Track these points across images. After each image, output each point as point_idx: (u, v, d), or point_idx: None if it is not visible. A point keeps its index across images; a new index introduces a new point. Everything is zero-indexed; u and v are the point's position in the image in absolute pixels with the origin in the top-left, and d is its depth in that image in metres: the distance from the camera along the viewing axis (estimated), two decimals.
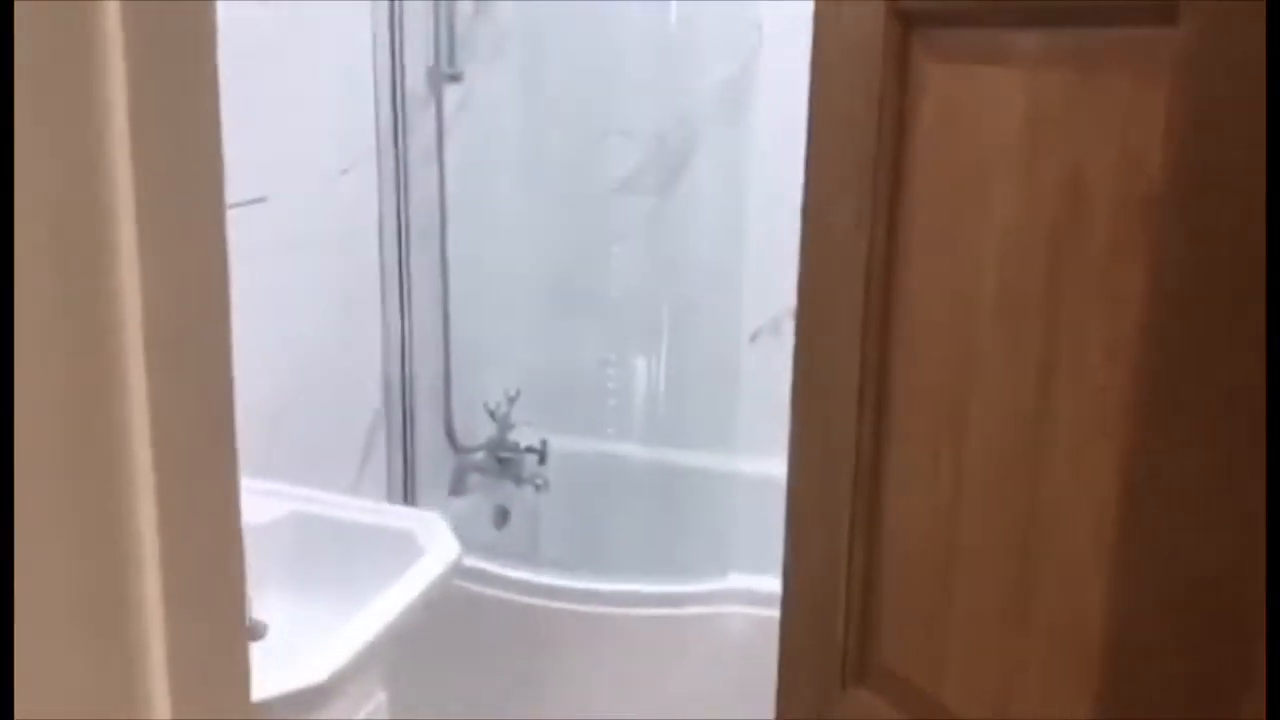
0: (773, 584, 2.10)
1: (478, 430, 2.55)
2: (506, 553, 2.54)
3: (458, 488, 2.52)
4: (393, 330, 2.30)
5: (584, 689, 2.17)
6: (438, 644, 1.92)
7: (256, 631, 1.66)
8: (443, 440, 2.50)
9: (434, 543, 1.64)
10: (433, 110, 2.32)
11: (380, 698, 1.51)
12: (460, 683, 2.23)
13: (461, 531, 2.46)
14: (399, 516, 1.73)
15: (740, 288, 2.47)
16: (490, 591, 2.20)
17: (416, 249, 2.29)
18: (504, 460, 2.55)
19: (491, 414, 2.53)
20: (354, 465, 2.22)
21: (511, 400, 2.55)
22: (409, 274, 2.29)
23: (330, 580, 1.68)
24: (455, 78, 2.35)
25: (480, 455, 2.56)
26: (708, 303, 2.55)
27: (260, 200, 1.64)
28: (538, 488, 2.53)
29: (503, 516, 2.58)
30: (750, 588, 2.10)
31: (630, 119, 2.54)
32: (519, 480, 2.54)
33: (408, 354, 2.34)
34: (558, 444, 2.63)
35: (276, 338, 1.93)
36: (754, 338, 2.62)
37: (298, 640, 1.63)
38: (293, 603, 1.69)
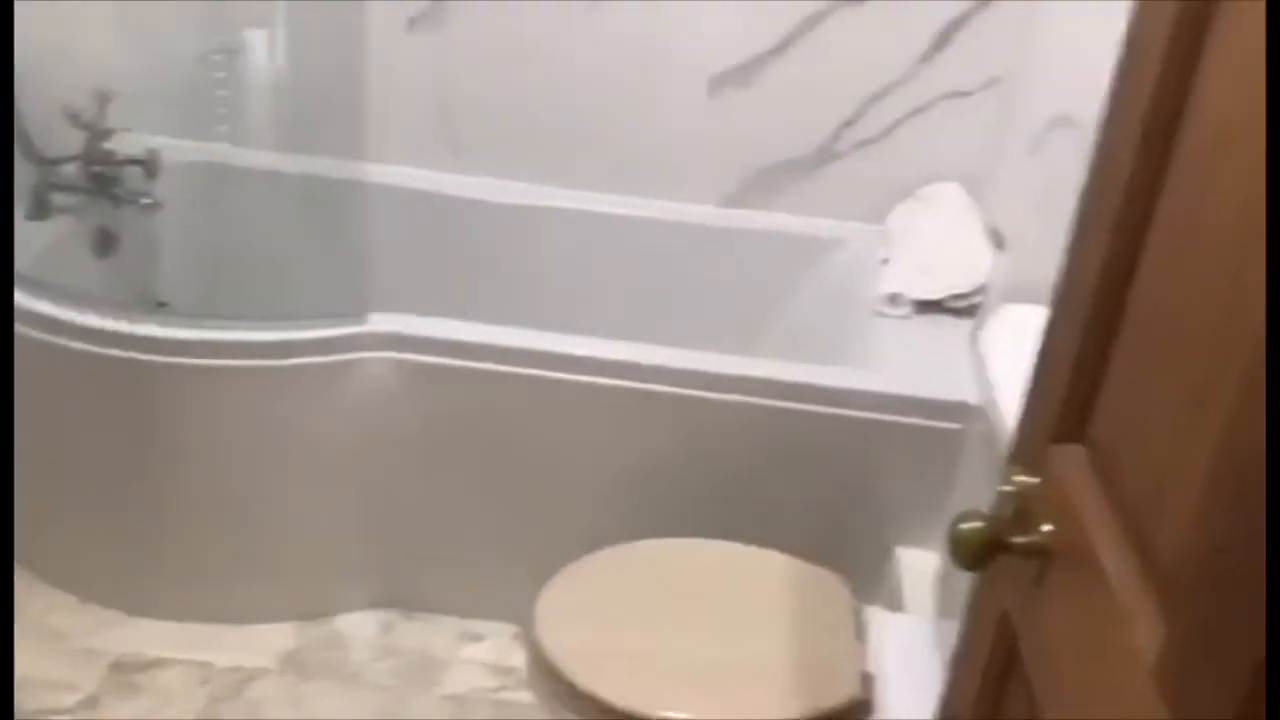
0: (419, 325, 1.86)
1: (65, 139, 2.04)
2: (114, 289, 2.12)
3: (39, 210, 2.04)
4: None
5: (222, 448, 1.87)
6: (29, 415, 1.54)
7: None
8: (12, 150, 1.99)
9: None
10: None
11: None
12: (72, 448, 1.88)
13: (52, 261, 2.04)
14: None
15: None
16: (92, 349, 1.80)
17: None
18: (101, 175, 2.08)
19: (75, 118, 2.02)
20: None
21: (103, 102, 2.05)
22: None
23: None
24: None
25: (70, 170, 2.07)
26: None
27: None
28: (144, 208, 2.09)
29: (107, 243, 2.14)
30: (395, 330, 1.82)
31: None
32: (118, 200, 2.08)
33: None
34: (176, 155, 2.17)
35: None
36: (412, 24, 2.20)
37: None
38: None
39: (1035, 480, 0.87)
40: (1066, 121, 1.69)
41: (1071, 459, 0.83)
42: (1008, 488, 0.90)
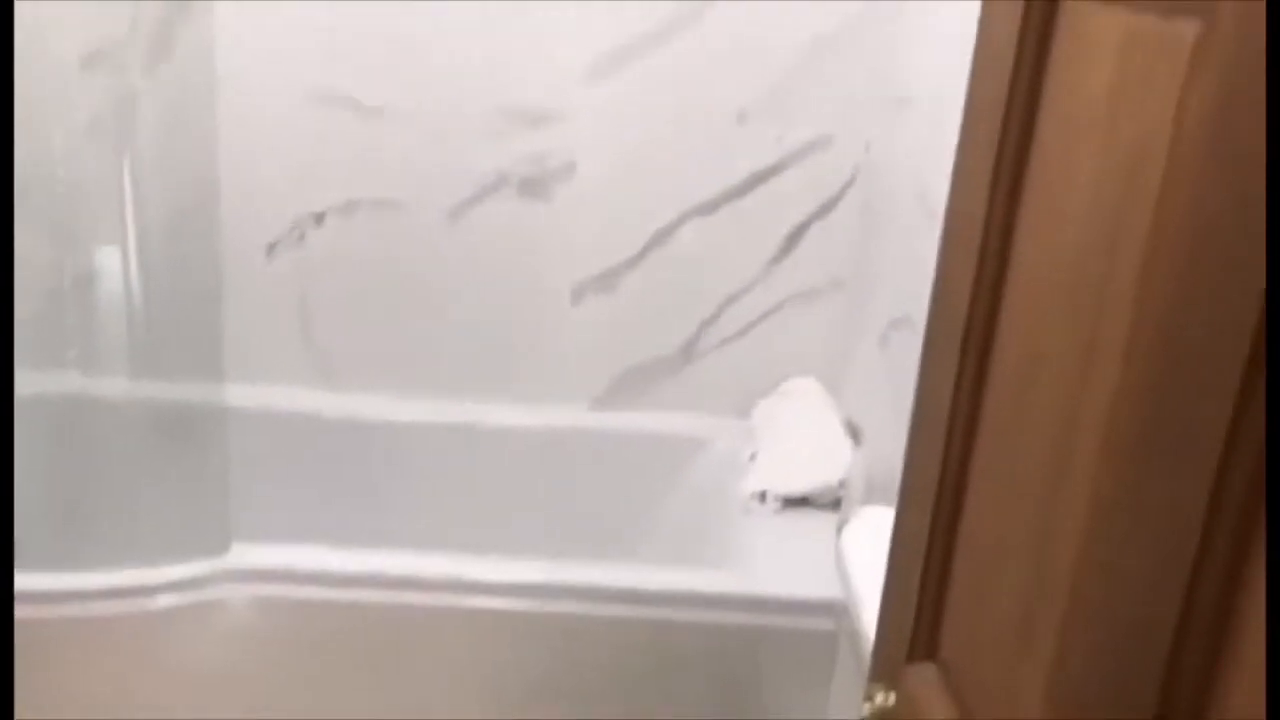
0: (281, 555, 1.80)
1: None
2: None
3: None
4: None
5: (80, 700, 1.75)
6: None
7: None
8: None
9: None
10: None
11: None
12: None
13: None
14: None
15: (255, 189, 2.06)
16: None
17: None
18: None
19: None
20: None
21: None
22: None
23: None
24: None
25: None
26: (203, 207, 2.10)
27: None
28: None
29: None
30: (258, 562, 1.76)
31: None
32: None
33: None
34: (22, 388, 2.10)
35: None
36: (271, 249, 2.22)
37: None
38: None
39: (894, 699, 0.88)
40: (906, 322, 1.78)
41: (924, 678, 0.84)
42: (869, 706, 0.90)
